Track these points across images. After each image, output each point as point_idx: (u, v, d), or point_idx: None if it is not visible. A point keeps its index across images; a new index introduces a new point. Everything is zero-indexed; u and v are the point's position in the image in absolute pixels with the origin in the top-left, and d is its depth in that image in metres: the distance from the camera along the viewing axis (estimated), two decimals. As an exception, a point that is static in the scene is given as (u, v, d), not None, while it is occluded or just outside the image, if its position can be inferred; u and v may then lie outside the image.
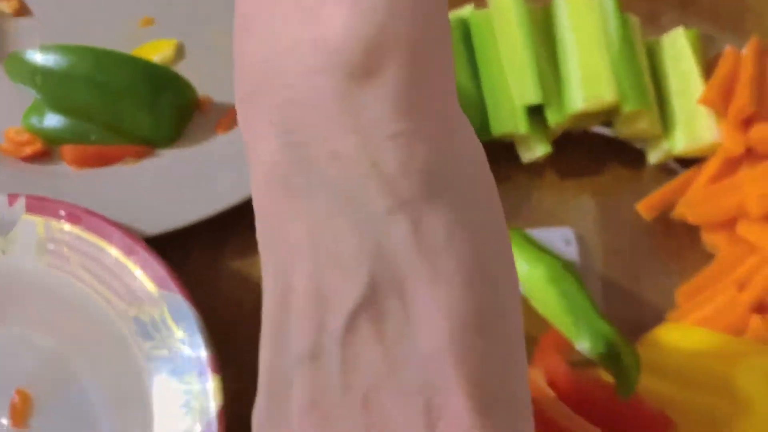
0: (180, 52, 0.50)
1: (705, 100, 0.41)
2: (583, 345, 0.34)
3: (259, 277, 0.38)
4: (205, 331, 0.36)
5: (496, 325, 0.19)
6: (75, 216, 0.39)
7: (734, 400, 0.33)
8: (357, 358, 0.18)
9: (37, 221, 0.40)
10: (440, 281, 0.18)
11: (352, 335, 0.18)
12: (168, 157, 0.45)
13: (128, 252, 0.38)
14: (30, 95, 0.45)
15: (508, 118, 0.42)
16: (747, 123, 0.41)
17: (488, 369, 0.18)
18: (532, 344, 0.38)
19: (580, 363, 0.36)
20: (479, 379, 0.18)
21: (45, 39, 0.47)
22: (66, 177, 0.44)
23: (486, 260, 0.19)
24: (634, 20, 0.45)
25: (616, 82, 0.42)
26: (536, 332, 0.38)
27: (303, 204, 0.19)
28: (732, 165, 0.41)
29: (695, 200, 0.40)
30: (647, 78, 0.43)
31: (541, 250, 0.38)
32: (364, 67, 0.18)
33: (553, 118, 0.42)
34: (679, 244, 0.42)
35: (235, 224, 0.42)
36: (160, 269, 0.38)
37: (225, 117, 0.47)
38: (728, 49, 0.43)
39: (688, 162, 0.43)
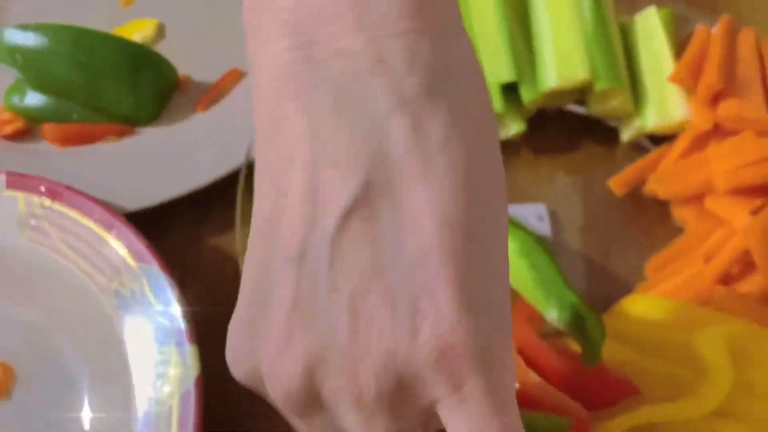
0: (160, 32, 0.51)
1: (675, 78, 0.42)
2: (552, 315, 0.35)
3: (236, 252, 0.39)
4: (183, 304, 0.37)
5: (482, 230, 0.19)
6: (55, 192, 0.40)
7: (695, 367, 0.34)
8: (345, 259, 0.18)
9: (18, 197, 0.40)
10: (433, 183, 0.18)
11: (342, 235, 0.18)
12: (148, 135, 0.46)
13: (108, 227, 0.39)
14: (11, 74, 0.46)
15: (483, 96, 0.43)
16: (715, 100, 0.41)
17: (473, 272, 0.18)
18: (504, 316, 0.39)
19: (550, 334, 0.37)
20: (463, 281, 0.18)
21: (25, 18, 0.48)
22: (47, 155, 0.45)
23: (477, 166, 0.19)
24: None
25: (589, 60, 0.43)
26: (508, 304, 0.39)
27: (307, 101, 0.19)
28: (701, 141, 0.42)
29: (665, 176, 0.41)
30: (620, 56, 0.44)
31: (514, 225, 0.39)
32: None
33: (527, 95, 0.43)
34: (650, 219, 0.43)
35: (215, 201, 0.43)
36: (140, 244, 0.38)
37: (205, 96, 0.47)
38: (699, 27, 0.44)
39: (660, 140, 0.44)
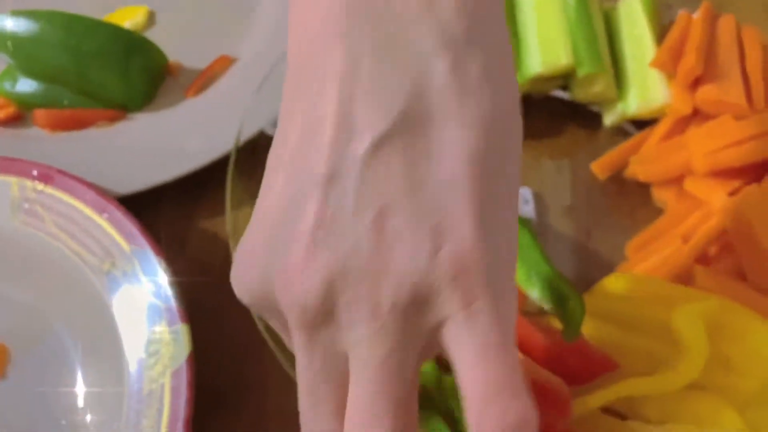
0: (151, 19, 0.51)
1: (656, 63, 0.43)
2: (534, 293, 0.36)
3: (226, 235, 0.40)
4: (174, 284, 0.38)
5: (502, 168, 0.21)
6: (48, 176, 0.41)
7: (673, 343, 0.35)
8: (375, 181, 0.20)
9: (11, 181, 0.41)
10: (465, 120, 0.20)
11: (373, 159, 0.20)
12: (139, 121, 0.47)
13: (100, 210, 0.40)
14: (3, 60, 0.46)
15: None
16: (695, 85, 0.42)
17: (492, 203, 0.20)
18: (488, 295, 0.40)
19: (532, 313, 0.38)
20: (484, 209, 0.20)
21: (16, 5, 0.48)
22: (40, 140, 0.45)
23: (503, 111, 0.21)
24: (591, -14, 0.46)
25: (572, 46, 0.44)
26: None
27: (354, 38, 0.20)
28: (681, 125, 0.43)
29: (646, 159, 0.42)
30: (603, 43, 0.45)
31: (499, 207, 0.40)
32: None
33: (511, 81, 0.44)
34: (631, 201, 0.44)
35: (204, 185, 0.44)
36: (132, 226, 0.39)
37: (194, 81, 0.48)
38: (681, 13, 0.45)
39: (643, 124, 0.45)
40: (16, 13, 0.45)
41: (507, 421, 0.19)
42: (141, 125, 0.46)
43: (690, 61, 0.42)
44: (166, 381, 0.36)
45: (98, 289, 0.39)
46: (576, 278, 0.38)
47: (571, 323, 0.34)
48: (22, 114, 0.46)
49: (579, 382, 0.35)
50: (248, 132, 0.42)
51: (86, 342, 0.38)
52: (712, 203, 0.40)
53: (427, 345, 0.21)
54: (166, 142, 0.45)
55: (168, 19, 0.51)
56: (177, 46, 0.49)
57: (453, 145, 0.20)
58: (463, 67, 0.21)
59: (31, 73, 0.46)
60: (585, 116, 0.47)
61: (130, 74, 0.46)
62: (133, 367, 0.37)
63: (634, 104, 0.44)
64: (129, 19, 0.50)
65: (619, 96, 0.45)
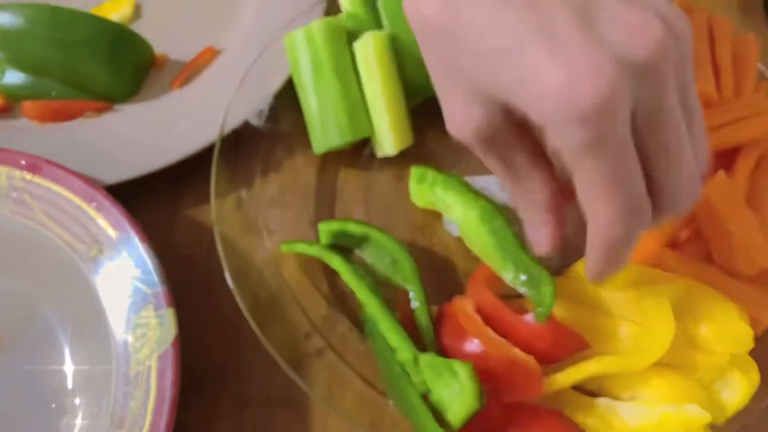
0: (137, 12, 0.52)
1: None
2: (508, 275, 0.37)
3: (211, 223, 0.41)
4: (160, 270, 0.39)
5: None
6: (36, 166, 0.42)
7: (641, 322, 0.36)
8: None
9: (0, 171, 0.42)
10: None
11: None
12: (126, 112, 0.48)
13: (88, 199, 0.41)
14: (-9, 53, 0.47)
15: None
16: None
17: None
18: (465, 278, 0.42)
19: (508, 296, 0.39)
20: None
21: (4, -2, 0.49)
22: (28, 131, 0.46)
23: None
24: None
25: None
26: (469, 268, 0.42)
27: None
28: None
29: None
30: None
31: (477, 194, 0.41)
32: None
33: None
34: (606, 188, 0.45)
35: (190, 175, 0.45)
36: (119, 215, 0.40)
37: (180, 73, 0.49)
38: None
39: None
40: (3, 7, 0.46)
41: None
42: (128, 116, 0.47)
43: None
44: (153, 364, 0.37)
45: (86, 274, 0.40)
46: (549, 261, 0.39)
47: (543, 304, 0.35)
48: (10, 105, 0.47)
49: (551, 360, 0.36)
50: (233, 122, 0.43)
51: (75, 327, 0.39)
52: (682, 189, 0.41)
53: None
54: (153, 133, 0.46)
55: (154, 11, 0.52)
56: (163, 38, 0.50)
57: None
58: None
59: (19, 65, 0.47)
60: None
61: (117, 66, 0.47)
62: (120, 349, 0.38)
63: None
64: (116, 11, 0.51)
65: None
